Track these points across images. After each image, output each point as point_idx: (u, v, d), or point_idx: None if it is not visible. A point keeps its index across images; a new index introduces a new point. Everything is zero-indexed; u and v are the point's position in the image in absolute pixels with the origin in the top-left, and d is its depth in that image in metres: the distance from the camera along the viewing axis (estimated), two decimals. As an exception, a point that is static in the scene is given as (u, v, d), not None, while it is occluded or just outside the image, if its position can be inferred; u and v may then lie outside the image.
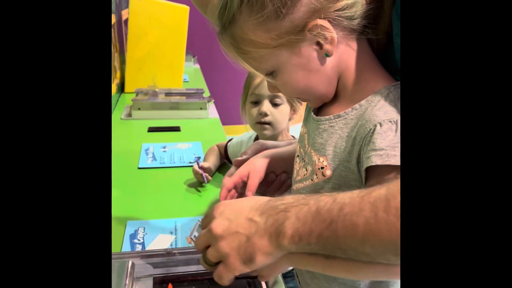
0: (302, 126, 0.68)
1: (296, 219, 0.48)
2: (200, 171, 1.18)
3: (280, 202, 0.50)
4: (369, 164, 0.51)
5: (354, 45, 0.57)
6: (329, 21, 0.53)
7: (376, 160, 0.50)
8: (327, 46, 0.54)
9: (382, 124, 0.52)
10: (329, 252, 0.48)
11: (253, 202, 0.53)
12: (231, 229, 0.51)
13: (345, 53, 0.56)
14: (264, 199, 0.53)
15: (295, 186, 0.65)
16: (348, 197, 0.46)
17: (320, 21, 0.52)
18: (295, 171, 0.66)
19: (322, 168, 0.58)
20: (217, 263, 0.53)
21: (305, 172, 0.62)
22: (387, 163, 0.50)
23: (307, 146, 0.63)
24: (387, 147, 0.50)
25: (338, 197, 0.47)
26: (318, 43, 0.54)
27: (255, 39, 0.54)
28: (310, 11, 0.52)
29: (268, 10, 0.52)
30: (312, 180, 0.60)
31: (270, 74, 0.58)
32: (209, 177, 1.20)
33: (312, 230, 0.46)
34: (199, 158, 1.25)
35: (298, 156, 0.66)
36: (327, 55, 0.55)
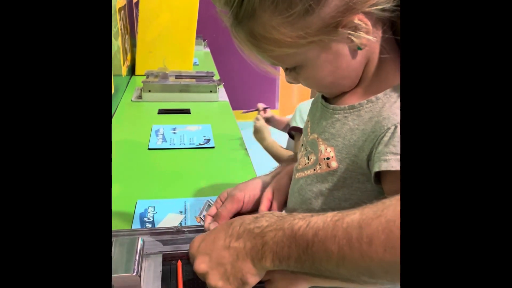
0: (308, 115, 0.66)
1: (274, 243, 0.48)
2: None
3: (254, 225, 0.50)
4: (388, 168, 0.49)
5: (379, 34, 0.52)
6: (364, 16, 0.49)
7: (396, 165, 0.49)
8: (361, 41, 0.50)
9: None
10: (308, 273, 0.48)
11: (226, 228, 0.53)
12: (213, 262, 0.52)
13: (372, 44, 0.53)
14: (236, 223, 0.52)
15: (296, 175, 0.63)
16: (321, 221, 0.46)
17: (357, 19, 0.49)
18: (298, 160, 0.64)
19: (328, 158, 0.56)
20: None
21: (307, 161, 0.60)
22: None
23: (309, 133, 0.61)
24: None
25: (311, 221, 0.46)
26: (350, 37, 0.50)
27: (280, 38, 0.49)
28: (344, 6, 0.48)
29: (297, 9, 0.47)
30: (314, 170, 0.58)
31: (293, 69, 0.55)
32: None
33: (290, 255, 0.47)
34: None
35: (302, 145, 0.64)
36: (360, 48, 0.52)
